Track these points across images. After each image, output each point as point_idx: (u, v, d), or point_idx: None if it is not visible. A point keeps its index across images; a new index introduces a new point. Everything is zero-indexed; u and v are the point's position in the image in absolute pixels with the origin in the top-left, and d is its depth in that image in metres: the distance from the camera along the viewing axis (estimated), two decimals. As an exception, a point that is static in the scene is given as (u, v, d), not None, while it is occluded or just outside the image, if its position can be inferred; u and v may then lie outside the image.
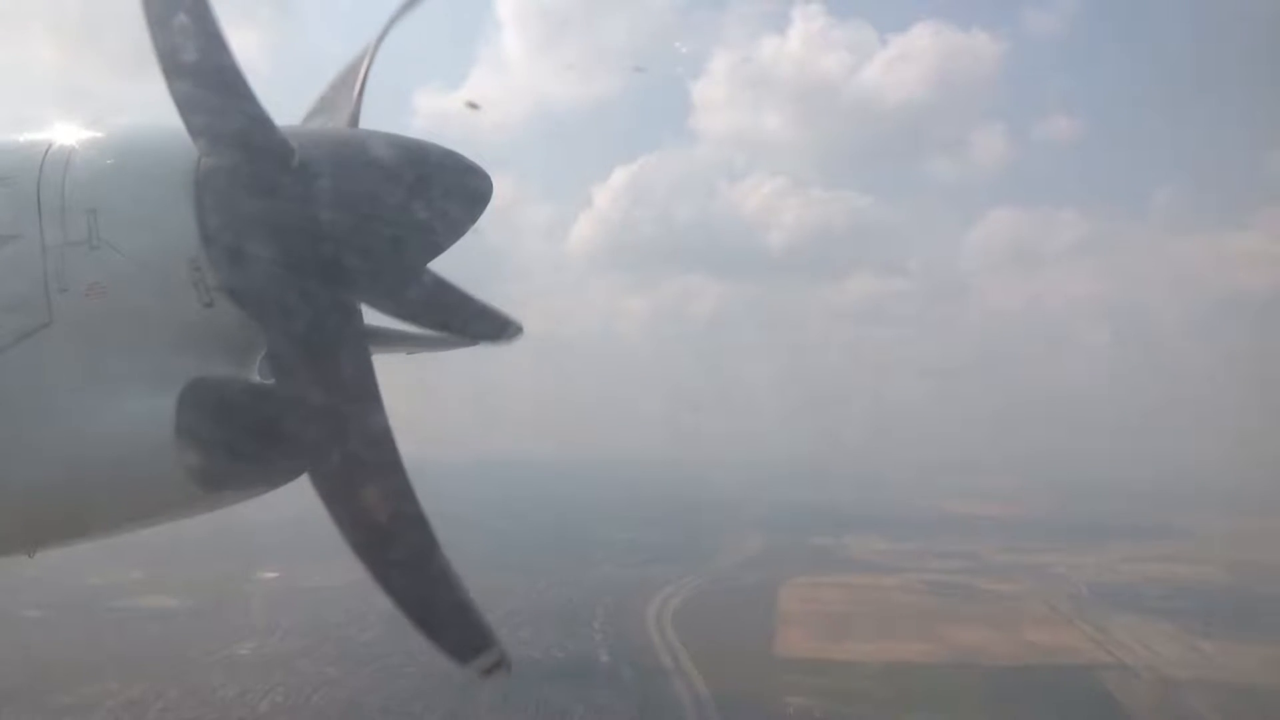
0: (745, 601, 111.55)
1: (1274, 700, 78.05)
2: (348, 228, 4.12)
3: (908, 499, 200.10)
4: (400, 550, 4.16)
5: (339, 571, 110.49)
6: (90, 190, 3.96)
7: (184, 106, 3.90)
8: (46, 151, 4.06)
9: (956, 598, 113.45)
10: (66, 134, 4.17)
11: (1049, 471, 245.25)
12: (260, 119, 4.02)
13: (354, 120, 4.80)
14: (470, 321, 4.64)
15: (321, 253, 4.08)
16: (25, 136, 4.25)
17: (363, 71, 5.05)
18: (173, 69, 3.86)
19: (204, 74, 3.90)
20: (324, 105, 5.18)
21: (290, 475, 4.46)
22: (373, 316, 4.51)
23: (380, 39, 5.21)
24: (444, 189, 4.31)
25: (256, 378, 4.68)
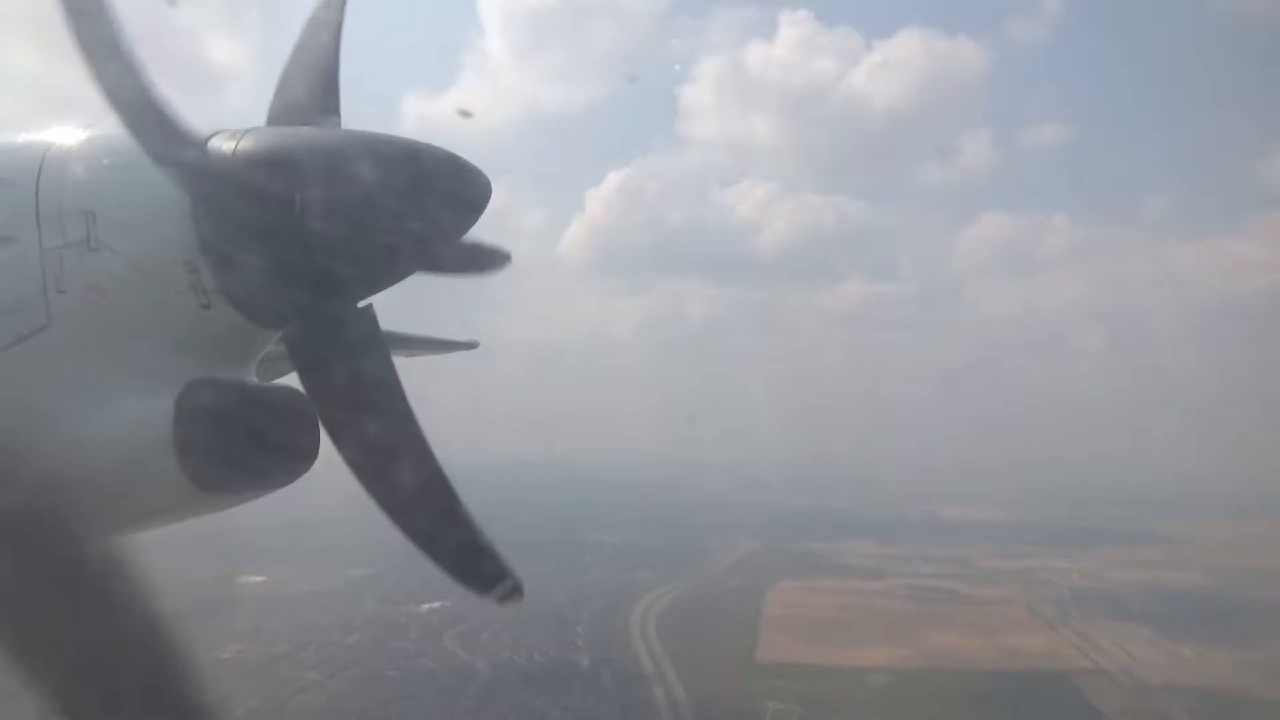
0: (730, 606, 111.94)
1: (1244, 704, 78.71)
2: (346, 230, 4.10)
3: (901, 503, 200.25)
4: (422, 499, 4.33)
5: (325, 576, 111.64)
6: (88, 192, 3.97)
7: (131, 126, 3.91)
8: (45, 153, 4.06)
9: (940, 603, 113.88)
10: (64, 135, 4.16)
11: (1042, 476, 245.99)
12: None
13: (334, 105, 4.67)
14: (459, 259, 4.68)
15: (319, 255, 4.08)
16: (23, 138, 4.24)
17: (329, 56, 4.80)
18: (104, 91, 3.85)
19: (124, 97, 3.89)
20: (289, 92, 4.80)
21: (288, 478, 4.56)
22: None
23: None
24: (444, 191, 4.29)
25: (254, 379, 4.75)
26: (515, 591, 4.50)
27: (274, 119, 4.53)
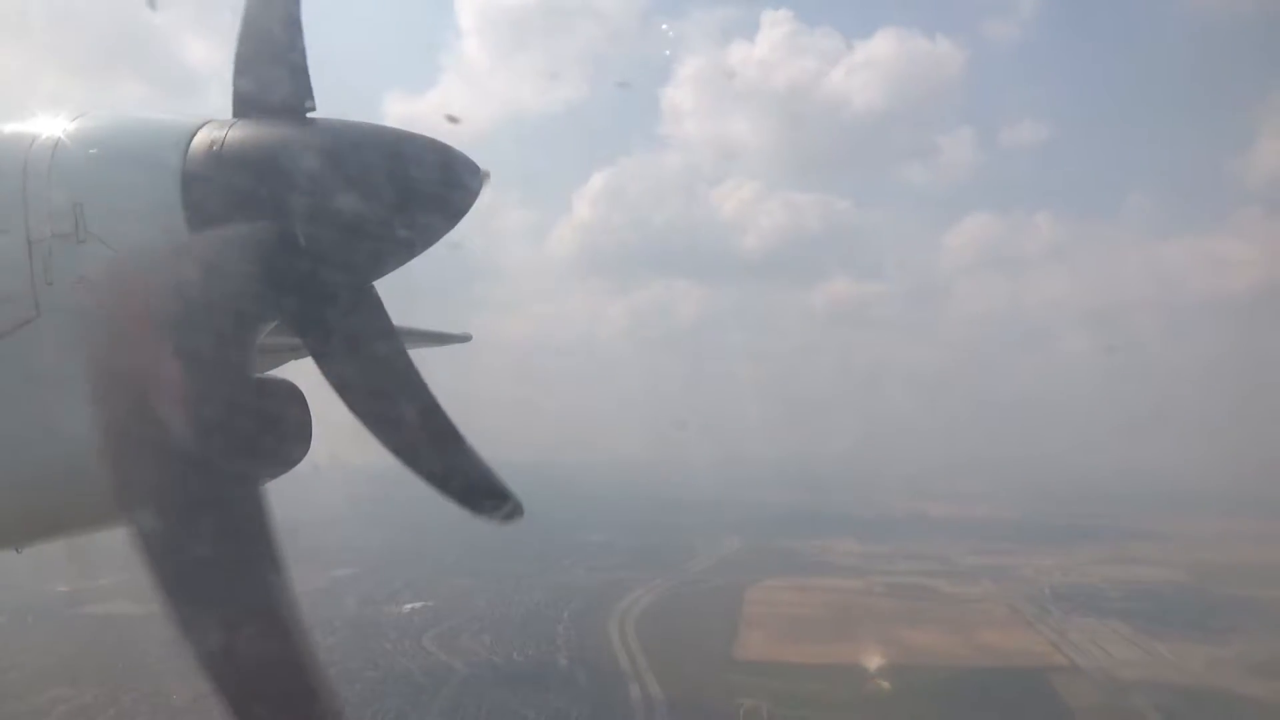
0: (711, 604, 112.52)
1: (1213, 699, 79.49)
2: (337, 221, 4.08)
3: (887, 501, 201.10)
4: (430, 441, 4.39)
5: (310, 577, 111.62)
6: (77, 183, 3.94)
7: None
8: (32, 144, 4.03)
9: (918, 600, 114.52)
10: (53, 126, 4.13)
11: (1029, 474, 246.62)
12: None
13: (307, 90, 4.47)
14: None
15: (310, 243, 4.04)
16: (11, 128, 4.21)
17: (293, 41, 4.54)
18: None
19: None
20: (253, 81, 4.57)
21: (280, 469, 4.47)
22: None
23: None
24: (435, 181, 4.26)
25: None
26: (516, 511, 4.62)
27: (242, 109, 4.38)
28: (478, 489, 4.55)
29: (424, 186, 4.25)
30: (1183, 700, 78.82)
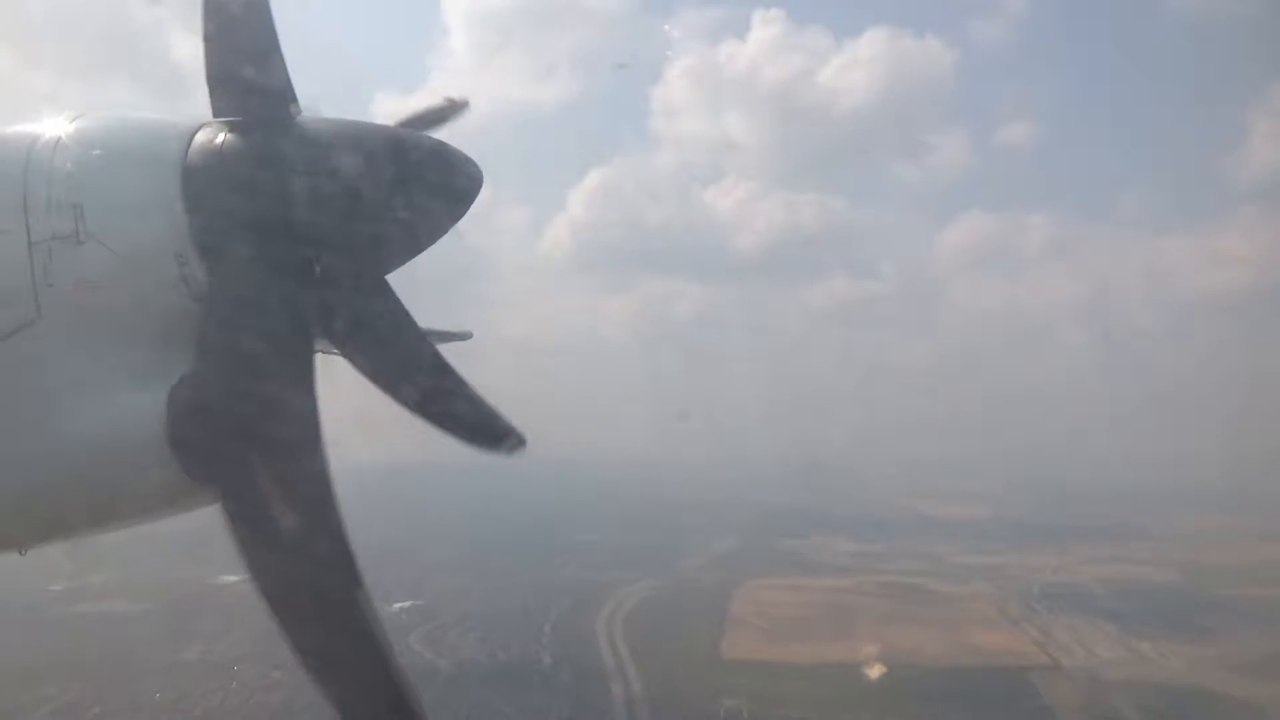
0: (699, 604, 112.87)
1: (1194, 698, 79.85)
2: (336, 221, 4.07)
3: (885, 500, 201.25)
4: (441, 392, 4.28)
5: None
6: (76, 183, 3.92)
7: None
8: (32, 145, 4.02)
9: (907, 600, 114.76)
10: (52, 126, 4.12)
11: (1025, 473, 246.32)
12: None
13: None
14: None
15: (314, 245, 4.04)
16: (10, 129, 4.20)
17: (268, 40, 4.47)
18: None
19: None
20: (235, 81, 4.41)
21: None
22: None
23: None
24: (434, 179, 4.25)
25: None
26: (520, 443, 4.58)
27: (222, 109, 4.28)
28: (484, 429, 4.58)
29: (425, 185, 4.25)
30: (1166, 699, 79.23)
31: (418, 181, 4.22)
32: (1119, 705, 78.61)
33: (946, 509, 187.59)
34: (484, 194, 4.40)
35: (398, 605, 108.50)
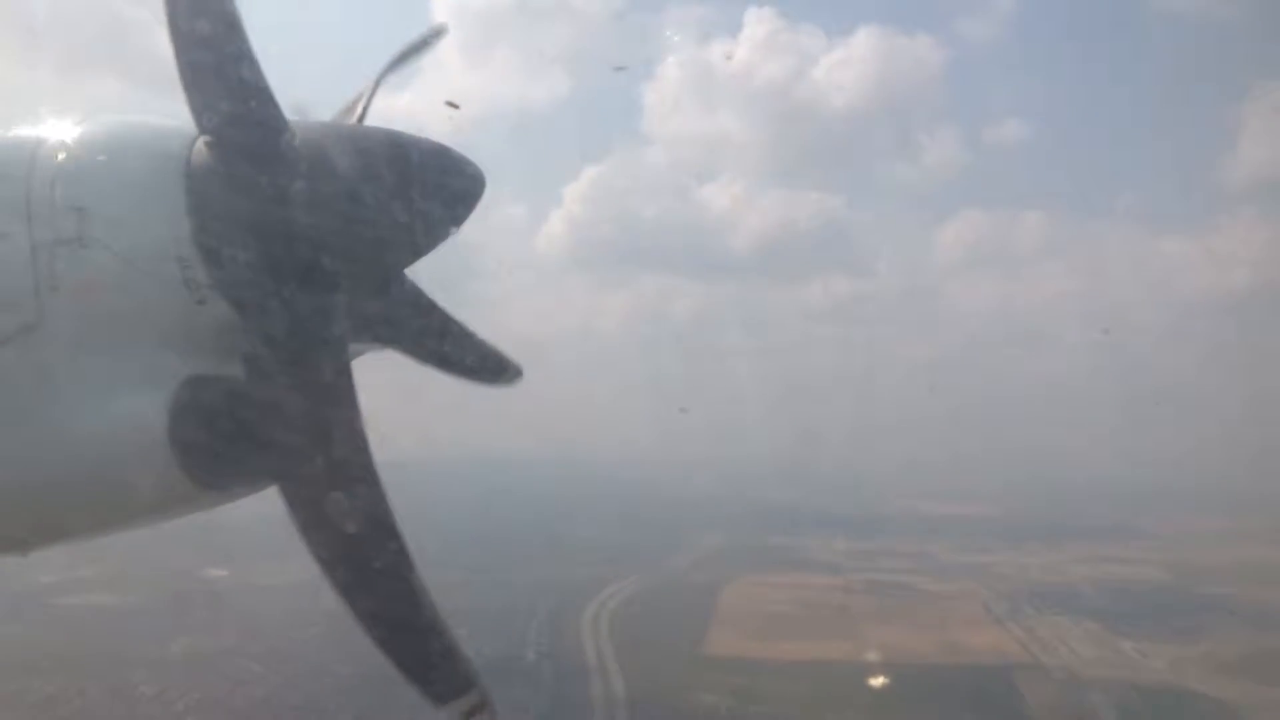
0: (687, 601, 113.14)
1: (1172, 697, 79.96)
2: (345, 224, 4.10)
3: (881, 499, 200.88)
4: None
5: (291, 570, 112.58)
6: (80, 187, 3.91)
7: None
8: (36, 149, 4.02)
9: (895, 598, 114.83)
10: (55, 130, 4.12)
11: (1023, 472, 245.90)
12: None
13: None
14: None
15: (317, 249, 4.05)
16: (13, 132, 4.21)
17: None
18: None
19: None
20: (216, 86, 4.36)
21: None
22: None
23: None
24: (436, 183, 4.28)
25: None
26: (517, 374, 4.82)
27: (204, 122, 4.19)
28: (484, 364, 4.94)
29: (427, 188, 4.28)
30: (1143, 699, 79.41)
31: (420, 184, 4.28)
32: (1096, 704, 78.74)
33: (943, 507, 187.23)
34: (487, 193, 4.50)
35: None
